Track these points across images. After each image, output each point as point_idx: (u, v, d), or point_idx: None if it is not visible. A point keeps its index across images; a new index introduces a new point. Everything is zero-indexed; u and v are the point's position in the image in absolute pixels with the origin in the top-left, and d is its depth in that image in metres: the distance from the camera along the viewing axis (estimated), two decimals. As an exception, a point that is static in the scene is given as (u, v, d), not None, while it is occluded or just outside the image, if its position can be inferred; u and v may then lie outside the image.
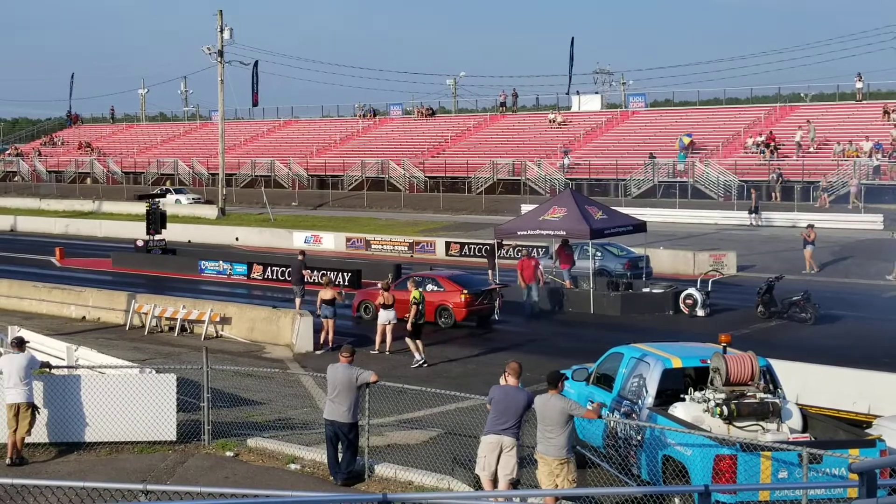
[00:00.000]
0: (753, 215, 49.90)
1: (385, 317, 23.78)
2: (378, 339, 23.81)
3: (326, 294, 24.06)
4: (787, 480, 11.63)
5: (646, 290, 29.55)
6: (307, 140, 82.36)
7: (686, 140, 61.69)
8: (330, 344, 23.98)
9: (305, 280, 29.10)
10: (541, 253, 33.84)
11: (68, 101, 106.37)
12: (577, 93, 78.11)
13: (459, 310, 26.78)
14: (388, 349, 23.67)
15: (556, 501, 12.22)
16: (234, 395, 18.78)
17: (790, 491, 11.78)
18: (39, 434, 15.47)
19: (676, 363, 13.83)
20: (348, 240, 46.93)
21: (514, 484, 12.46)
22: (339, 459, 14.16)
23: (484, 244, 40.74)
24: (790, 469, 11.63)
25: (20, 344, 15.79)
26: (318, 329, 24.53)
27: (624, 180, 59.64)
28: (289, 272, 31.28)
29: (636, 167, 60.40)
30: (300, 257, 29.38)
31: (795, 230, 42.21)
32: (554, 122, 73.18)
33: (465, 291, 26.89)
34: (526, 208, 47.39)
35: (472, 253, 41.80)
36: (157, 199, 46.90)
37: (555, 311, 29.12)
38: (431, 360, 22.71)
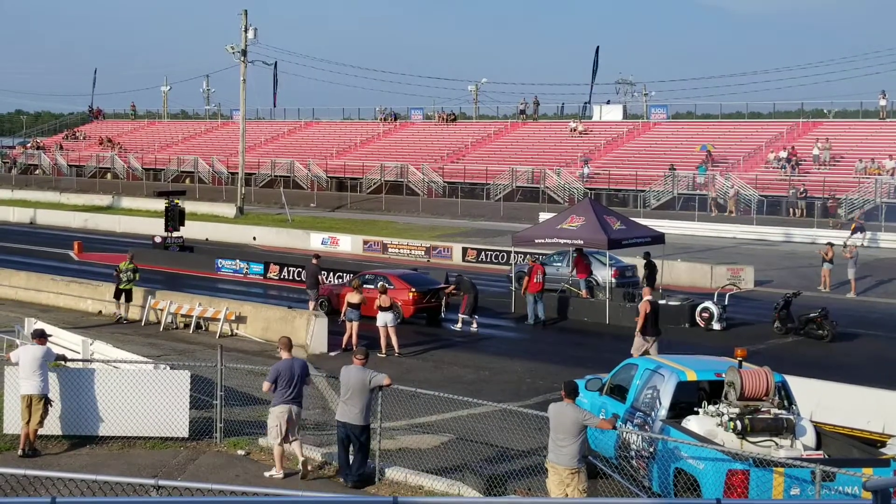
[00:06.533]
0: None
1: (382, 319, 23.80)
2: (382, 342, 23.78)
3: (354, 298, 23.94)
4: (799, 497, 11.56)
5: (662, 302, 29.40)
6: (327, 142, 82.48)
7: (708, 146, 61.85)
8: (354, 348, 23.96)
9: (321, 283, 28.98)
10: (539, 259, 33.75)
11: (91, 96, 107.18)
12: (608, 102, 78.02)
13: (407, 307, 27.41)
14: (396, 351, 23.68)
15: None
16: (247, 394, 18.78)
17: (802, 508, 11.71)
18: (53, 426, 15.53)
19: (691, 376, 13.78)
20: (365, 242, 46.94)
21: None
22: (351, 461, 14.17)
23: (501, 251, 40.76)
24: (803, 486, 11.56)
25: (40, 336, 15.84)
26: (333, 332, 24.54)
27: (643, 191, 59.51)
28: (305, 274, 31.23)
29: (656, 178, 60.23)
30: (314, 261, 29.05)
31: (814, 247, 42.00)
32: (575, 130, 73.07)
33: (413, 290, 27.66)
34: (544, 216, 47.35)
35: (489, 259, 41.76)
36: None
37: (569, 320, 29.05)
38: (444, 366, 22.64)
